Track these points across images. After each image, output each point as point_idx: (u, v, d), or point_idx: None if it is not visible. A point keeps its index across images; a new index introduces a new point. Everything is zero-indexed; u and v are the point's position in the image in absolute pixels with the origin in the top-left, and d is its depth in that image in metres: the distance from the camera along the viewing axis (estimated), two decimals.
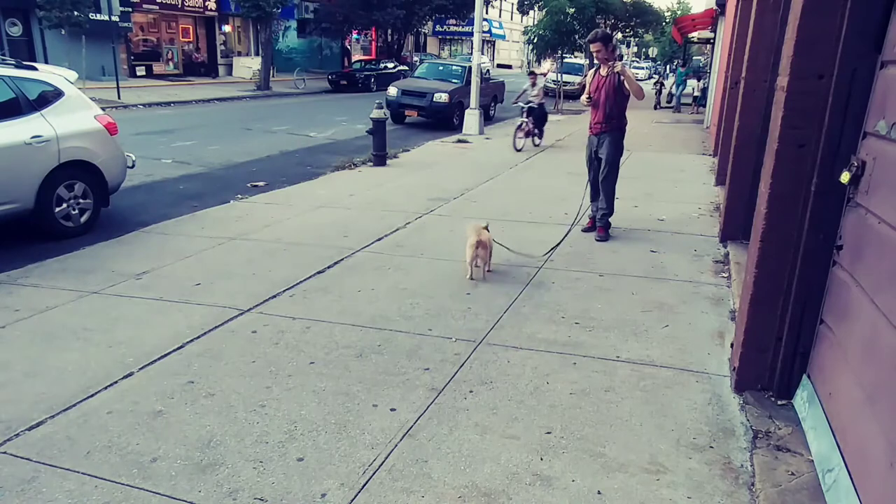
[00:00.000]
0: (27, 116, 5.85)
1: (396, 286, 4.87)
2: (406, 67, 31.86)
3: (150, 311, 4.35)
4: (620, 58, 6.78)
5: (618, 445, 2.92)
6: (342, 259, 5.48)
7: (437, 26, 48.51)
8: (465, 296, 4.68)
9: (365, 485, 2.64)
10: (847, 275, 2.77)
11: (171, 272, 5.15)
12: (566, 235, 5.87)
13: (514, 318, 4.31)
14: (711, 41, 21.11)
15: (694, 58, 41.76)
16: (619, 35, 34.19)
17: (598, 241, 6.09)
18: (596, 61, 6.08)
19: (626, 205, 7.61)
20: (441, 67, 18.97)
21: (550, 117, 13.89)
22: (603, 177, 6.09)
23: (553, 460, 2.81)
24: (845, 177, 2.73)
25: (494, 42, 60.37)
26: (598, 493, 2.61)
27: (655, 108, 22.17)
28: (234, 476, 2.69)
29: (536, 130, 12.40)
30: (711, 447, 2.91)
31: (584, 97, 6.07)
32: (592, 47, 5.82)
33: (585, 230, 6.37)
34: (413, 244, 5.96)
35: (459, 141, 13.14)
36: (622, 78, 5.78)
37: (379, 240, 6.06)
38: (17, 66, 6.16)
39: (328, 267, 5.28)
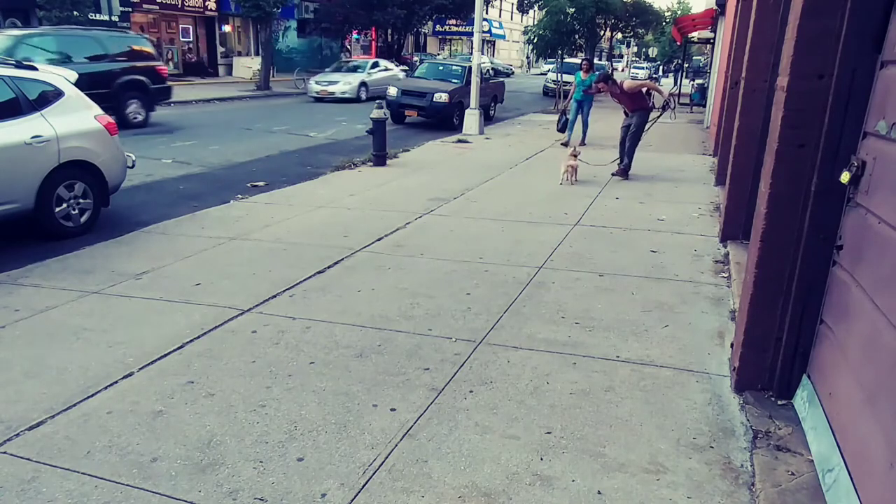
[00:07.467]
0: (27, 116, 5.84)
1: (396, 286, 4.87)
2: (406, 67, 31.82)
3: (150, 311, 4.36)
4: (608, 77, 9.68)
5: (618, 445, 2.92)
6: (342, 259, 5.48)
7: (437, 26, 48.49)
8: (465, 296, 4.68)
9: (365, 485, 2.64)
10: (847, 275, 2.77)
11: (171, 272, 5.15)
12: (569, 233, 5.86)
13: (514, 318, 4.31)
14: (711, 41, 21.09)
15: (694, 58, 41.69)
16: (620, 35, 34.16)
17: (613, 175, 9.14)
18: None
19: (627, 204, 7.63)
20: (441, 67, 18.93)
21: (550, 117, 13.78)
22: (630, 134, 9.09)
23: (553, 460, 2.81)
24: (845, 177, 2.73)
25: (494, 42, 60.40)
26: (598, 493, 2.61)
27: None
28: (234, 476, 2.69)
29: None
30: (711, 447, 2.91)
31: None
32: (599, 85, 9.28)
33: (615, 174, 9.24)
34: (413, 244, 5.96)
35: (459, 141, 13.13)
36: (624, 89, 9.16)
37: (379, 240, 6.06)
38: (17, 66, 6.16)
39: (328, 267, 5.28)
